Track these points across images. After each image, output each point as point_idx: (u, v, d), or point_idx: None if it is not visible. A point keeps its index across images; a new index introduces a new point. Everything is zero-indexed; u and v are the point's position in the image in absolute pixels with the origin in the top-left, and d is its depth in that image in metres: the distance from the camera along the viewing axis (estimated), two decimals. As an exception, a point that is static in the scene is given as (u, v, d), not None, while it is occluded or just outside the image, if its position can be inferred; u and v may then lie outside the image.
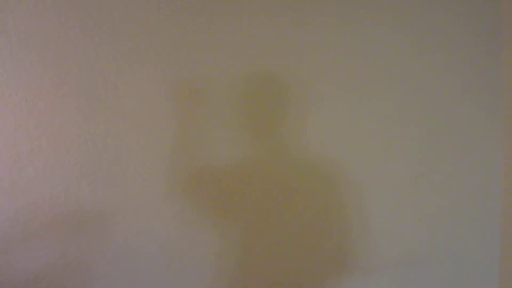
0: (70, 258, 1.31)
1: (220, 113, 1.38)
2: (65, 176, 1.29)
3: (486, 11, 1.57)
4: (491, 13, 1.58)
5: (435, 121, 1.56)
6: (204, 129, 1.37)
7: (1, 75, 1.22)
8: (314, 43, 1.44)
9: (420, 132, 1.55)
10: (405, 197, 1.56)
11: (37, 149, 1.26)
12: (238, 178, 1.41)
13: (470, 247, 1.62)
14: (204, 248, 1.41)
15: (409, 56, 1.52)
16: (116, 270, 1.35)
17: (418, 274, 1.59)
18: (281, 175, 1.45)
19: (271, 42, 1.41)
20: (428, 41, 1.53)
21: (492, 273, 1.63)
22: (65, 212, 1.30)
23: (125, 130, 1.32)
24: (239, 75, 1.39)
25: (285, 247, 1.48)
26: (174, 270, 1.39)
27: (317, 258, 1.51)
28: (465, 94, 1.58)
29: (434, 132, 1.56)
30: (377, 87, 1.50)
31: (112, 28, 1.28)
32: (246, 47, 1.39)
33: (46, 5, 1.24)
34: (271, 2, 1.40)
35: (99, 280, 1.34)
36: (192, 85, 1.35)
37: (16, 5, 1.22)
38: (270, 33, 1.40)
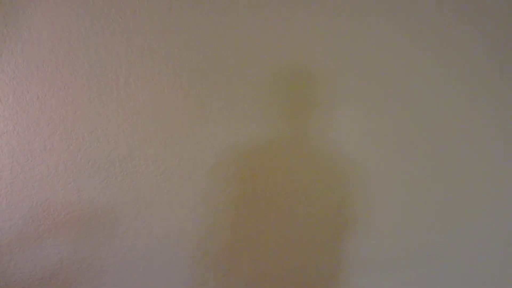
0: (84, 254, 1.31)
1: (235, 107, 1.38)
2: (77, 173, 1.29)
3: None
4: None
5: (450, 119, 1.55)
6: (216, 125, 1.37)
7: (12, 72, 1.22)
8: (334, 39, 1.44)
9: (433, 130, 1.54)
10: (418, 195, 1.56)
11: (49, 146, 1.26)
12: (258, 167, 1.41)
13: (483, 244, 1.61)
14: (217, 244, 1.41)
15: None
16: (129, 267, 1.35)
17: (432, 270, 1.59)
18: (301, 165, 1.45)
19: (287, 37, 1.40)
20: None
21: (504, 270, 1.62)
22: (78, 209, 1.30)
23: (137, 127, 1.31)
24: (253, 71, 1.38)
25: (296, 239, 1.48)
26: (187, 267, 1.39)
27: (329, 252, 1.51)
28: (479, 93, 1.57)
29: (448, 130, 1.56)
30: (399, 90, 1.51)
31: (124, 25, 1.28)
32: (259, 43, 1.38)
33: (57, 2, 1.24)
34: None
35: (113, 276, 1.34)
36: (204, 81, 1.35)
37: (27, 3, 1.22)
38: (286, 28, 1.40)
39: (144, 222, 1.34)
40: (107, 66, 1.28)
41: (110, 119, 1.29)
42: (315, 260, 1.50)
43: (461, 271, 1.61)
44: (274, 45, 1.39)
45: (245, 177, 1.40)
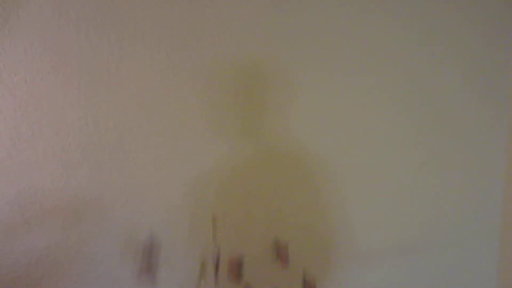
0: (72, 241, 1.30)
1: (227, 95, 1.37)
2: (66, 159, 1.27)
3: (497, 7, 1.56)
4: (501, 9, 1.56)
5: (438, 112, 1.56)
6: (210, 112, 1.36)
7: (-1, 55, 1.19)
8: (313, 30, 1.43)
9: (422, 123, 1.55)
10: (405, 186, 1.58)
11: (37, 131, 1.24)
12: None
13: (469, 237, 1.65)
14: (206, 235, 1.41)
15: (412, 46, 1.51)
16: (118, 255, 1.35)
17: (416, 262, 1.62)
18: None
19: (279, 27, 1.39)
20: (432, 32, 1.52)
21: (490, 263, 1.67)
22: (66, 196, 1.29)
23: (127, 113, 1.30)
24: (244, 58, 1.37)
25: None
26: (175, 254, 1.40)
27: (316, 247, 1.53)
28: (470, 86, 1.57)
29: (436, 124, 1.57)
30: (376, 77, 1.49)
31: (115, 8, 1.25)
32: (250, 30, 1.37)
33: (46, -18, 1.20)
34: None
35: (100, 264, 1.34)
36: (197, 69, 1.33)
37: (15, -18, 1.18)
38: (276, 16, 1.38)
39: (133, 210, 1.34)
40: (98, 51, 1.25)
41: (100, 105, 1.27)
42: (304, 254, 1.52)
43: (447, 262, 1.65)
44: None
45: (237, 164, 1.41)
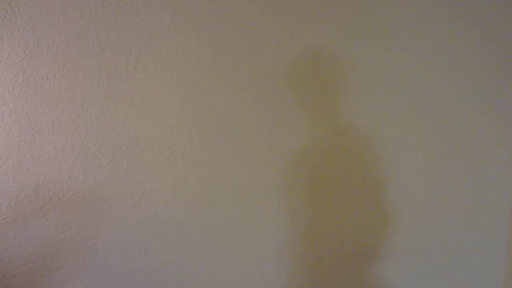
0: (88, 235, 1.34)
1: (242, 98, 1.39)
2: (84, 155, 1.31)
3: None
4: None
5: (453, 121, 1.56)
6: (222, 113, 1.38)
7: (23, 52, 1.23)
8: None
9: (436, 131, 1.56)
10: (414, 187, 1.57)
11: (57, 127, 1.28)
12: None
13: (478, 241, 1.64)
14: (219, 230, 1.43)
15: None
16: (132, 249, 1.37)
17: (427, 263, 1.62)
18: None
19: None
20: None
21: (498, 269, 1.65)
22: (84, 190, 1.32)
23: (144, 112, 1.32)
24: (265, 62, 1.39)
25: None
26: (188, 250, 1.42)
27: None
28: (486, 96, 1.57)
29: (451, 130, 1.56)
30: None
31: (135, 9, 1.28)
32: (272, 31, 1.38)
33: (69, -17, 1.24)
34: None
35: (116, 257, 1.37)
36: (212, 70, 1.35)
37: (40, -17, 1.22)
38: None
39: (148, 205, 1.36)
40: (117, 50, 1.28)
41: (118, 103, 1.30)
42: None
43: (455, 263, 1.64)
44: (288, 35, 1.39)
45: (253, 165, 1.42)
